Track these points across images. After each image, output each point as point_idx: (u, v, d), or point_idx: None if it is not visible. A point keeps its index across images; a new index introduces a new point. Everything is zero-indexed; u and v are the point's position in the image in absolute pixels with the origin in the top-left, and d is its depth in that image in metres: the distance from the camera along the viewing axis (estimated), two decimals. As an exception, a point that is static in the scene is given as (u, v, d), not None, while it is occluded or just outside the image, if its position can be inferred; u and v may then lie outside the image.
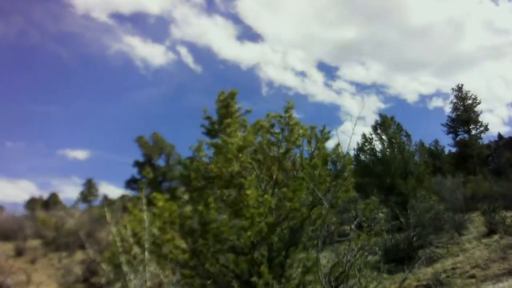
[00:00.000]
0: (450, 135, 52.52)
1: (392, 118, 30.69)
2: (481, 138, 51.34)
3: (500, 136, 54.98)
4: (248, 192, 9.05)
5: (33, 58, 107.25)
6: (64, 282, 29.23)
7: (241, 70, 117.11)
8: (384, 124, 30.39)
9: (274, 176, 10.03)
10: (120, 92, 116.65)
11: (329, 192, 9.76)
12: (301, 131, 10.29)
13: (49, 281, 30.13)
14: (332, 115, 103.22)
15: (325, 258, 11.08)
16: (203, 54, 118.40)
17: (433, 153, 46.10)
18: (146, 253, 6.60)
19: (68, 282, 29.06)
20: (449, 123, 52.32)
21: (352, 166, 10.86)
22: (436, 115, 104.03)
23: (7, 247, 35.80)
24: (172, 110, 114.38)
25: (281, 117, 10.30)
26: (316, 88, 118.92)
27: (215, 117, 11.77)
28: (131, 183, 48.58)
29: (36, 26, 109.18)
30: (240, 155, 9.74)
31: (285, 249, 9.61)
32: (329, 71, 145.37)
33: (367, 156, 30.67)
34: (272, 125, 10.42)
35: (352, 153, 28.92)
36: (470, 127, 51.10)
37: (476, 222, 23.89)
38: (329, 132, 10.39)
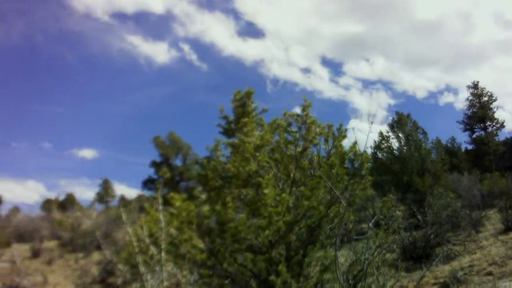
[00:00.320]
0: (467, 133, 52.36)
1: (408, 115, 30.62)
2: (497, 135, 51.13)
3: (515, 132, 54.64)
4: (265, 191, 9.04)
5: (37, 59, 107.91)
6: (81, 283, 29.30)
7: (245, 67, 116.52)
8: (400, 121, 30.30)
9: (292, 175, 10.01)
10: (125, 91, 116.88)
11: (347, 190, 9.72)
12: (318, 129, 10.26)
13: (66, 282, 30.22)
14: (341, 111, 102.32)
15: (343, 257, 11.04)
16: (206, 51, 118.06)
17: (450, 151, 45.89)
18: (163, 253, 6.59)
19: (84, 283, 29.13)
20: (465, 121, 52.13)
21: (369, 164, 10.77)
22: (447, 111, 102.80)
23: (23, 249, 35.96)
24: (178, 108, 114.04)
25: (298, 115, 10.27)
26: (322, 85, 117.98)
27: (230, 116, 11.75)
28: (148, 183, 48.68)
29: (38, 27, 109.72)
30: (257, 154, 9.73)
31: (303, 247, 9.58)
32: (334, 67, 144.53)
33: (384, 154, 30.59)
34: (289, 124, 10.39)
35: (369, 151, 28.86)
36: (486, 124, 50.84)
37: (493, 219, 23.75)
38: (346, 130, 10.35)
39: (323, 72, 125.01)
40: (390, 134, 30.77)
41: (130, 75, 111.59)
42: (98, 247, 33.44)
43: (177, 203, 9.06)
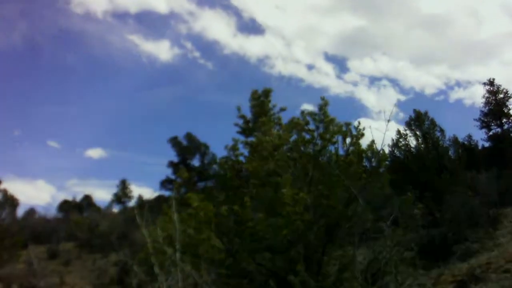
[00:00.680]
0: (483, 130, 52.04)
1: (426, 113, 30.56)
2: (514, 132, 50.74)
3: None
4: (283, 190, 9.03)
5: (39, 60, 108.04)
6: (98, 284, 29.45)
7: (249, 64, 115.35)
8: (418, 119, 30.24)
9: (310, 174, 9.99)
10: (130, 90, 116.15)
11: (365, 188, 9.70)
12: (336, 128, 10.24)
13: (83, 283, 30.40)
14: (349, 109, 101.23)
15: (361, 255, 11.01)
16: (209, 48, 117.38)
17: (467, 148, 45.68)
18: (178, 254, 6.59)
19: (102, 284, 29.26)
20: (482, 118, 51.80)
21: (387, 163, 10.75)
22: (456, 107, 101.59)
23: (40, 250, 36.11)
24: (185, 107, 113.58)
25: (315, 114, 10.27)
26: (329, 81, 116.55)
27: (247, 115, 11.75)
28: (165, 184, 48.78)
29: (42, 28, 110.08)
30: (275, 153, 9.73)
31: (321, 246, 9.58)
32: (338, 63, 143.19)
33: (402, 152, 30.51)
34: (307, 123, 10.38)
35: (386, 149, 28.83)
36: (503, 121, 50.50)
37: (510, 216, 23.63)
38: (364, 128, 10.31)
39: (328, 68, 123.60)
40: (408, 132, 30.73)
41: (133, 74, 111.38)
42: (116, 248, 33.60)
43: (195, 204, 9.07)
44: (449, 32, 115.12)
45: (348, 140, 10.37)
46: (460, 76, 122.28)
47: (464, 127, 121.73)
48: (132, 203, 58.52)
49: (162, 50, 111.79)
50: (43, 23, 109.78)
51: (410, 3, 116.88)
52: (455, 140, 35.73)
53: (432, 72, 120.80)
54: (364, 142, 10.48)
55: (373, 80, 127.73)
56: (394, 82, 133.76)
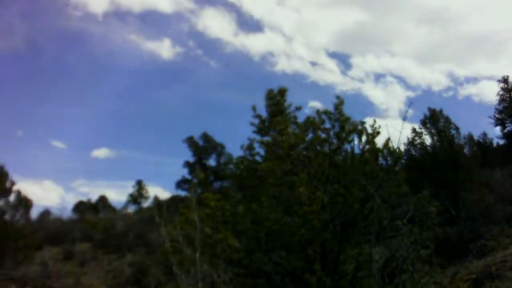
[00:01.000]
0: (498, 127, 51.78)
1: (441, 111, 30.51)
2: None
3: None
4: (300, 189, 9.05)
5: (41, 61, 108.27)
6: (114, 284, 29.49)
7: (253, 62, 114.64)
8: (433, 117, 30.20)
9: (326, 173, 10.00)
10: (134, 90, 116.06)
11: (381, 187, 9.70)
12: (351, 127, 10.25)
13: (99, 284, 30.44)
14: (358, 106, 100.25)
15: (378, 254, 11.01)
16: (212, 47, 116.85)
17: (482, 146, 45.50)
18: (197, 253, 6.63)
19: (118, 284, 29.31)
20: (496, 115, 51.56)
21: (402, 161, 10.76)
22: (466, 104, 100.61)
23: (55, 251, 36.22)
24: (193, 106, 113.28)
25: (331, 113, 10.28)
26: (334, 78, 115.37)
27: (263, 115, 11.77)
28: (181, 184, 48.82)
29: (46, 29, 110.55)
30: (291, 152, 9.75)
31: (338, 245, 9.59)
32: (341, 59, 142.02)
33: (417, 151, 30.48)
34: (323, 122, 10.39)
35: (402, 147, 28.83)
36: (516, 119, 50.27)
37: (526, 214, 23.52)
38: (379, 126, 10.31)
39: (332, 65, 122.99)
40: (423, 130, 30.68)
41: (136, 74, 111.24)
42: (132, 248, 33.68)
43: (212, 204, 9.11)
44: (454, 27, 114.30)
45: (363, 138, 10.39)
46: (467, 73, 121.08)
47: (473, 123, 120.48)
48: (147, 203, 58.71)
49: (164, 49, 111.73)
50: (44, 24, 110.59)
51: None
52: (470, 137, 35.69)
53: (438, 68, 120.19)
54: (378, 140, 10.50)
55: (379, 77, 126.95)
56: (399, 79, 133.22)
